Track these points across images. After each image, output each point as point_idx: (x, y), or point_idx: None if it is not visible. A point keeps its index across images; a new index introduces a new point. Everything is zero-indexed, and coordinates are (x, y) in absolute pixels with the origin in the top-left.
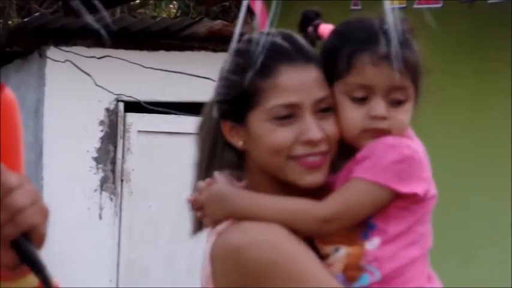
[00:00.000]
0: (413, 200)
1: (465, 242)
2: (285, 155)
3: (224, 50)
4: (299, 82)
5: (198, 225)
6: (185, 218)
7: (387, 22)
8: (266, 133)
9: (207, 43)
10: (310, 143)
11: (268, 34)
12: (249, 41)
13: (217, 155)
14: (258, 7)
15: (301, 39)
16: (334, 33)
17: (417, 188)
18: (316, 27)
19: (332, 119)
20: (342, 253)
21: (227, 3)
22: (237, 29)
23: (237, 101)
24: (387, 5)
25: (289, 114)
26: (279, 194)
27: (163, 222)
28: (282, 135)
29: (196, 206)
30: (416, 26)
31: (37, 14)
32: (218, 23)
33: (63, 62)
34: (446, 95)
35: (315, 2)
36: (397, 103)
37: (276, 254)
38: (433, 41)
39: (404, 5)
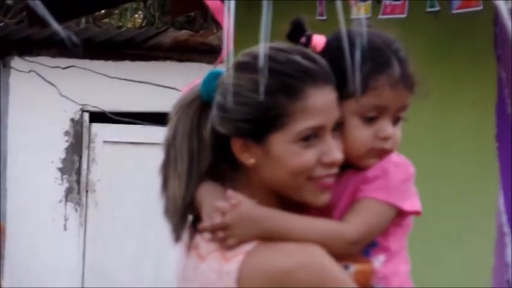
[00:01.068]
0: (406, 216)
1: (431, 248)
2: (306, 176)
3: (189, 59)
4: (325, 104)
5: (178, 236)
6: (150, 228)
7: (394, 41)
8: (291, 155)
9: (172, 53)
10: (333, 164)
11: (284, 51)
12: (271, 58)
13: (195, 163)
14: (225, 21)
15: (319, 58)
16: (342, 50)
17: (416, 205)
18: (309, 38)
19: (340, 137)
20: (352, 270)
21: (192, 14)
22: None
23: (259, 120)
24: (354, 15)
25: (313, 136)
26: (277, 209)
27: (128, 233)
28: (308, 157)
29: (218, 227)
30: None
31: (1, 24)
32: (183, 33)
33: (27, 72)
34: (411, 105)
35: (279, 12)
36: (397, 121)
37: (325, 276)
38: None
39: (369, 16)
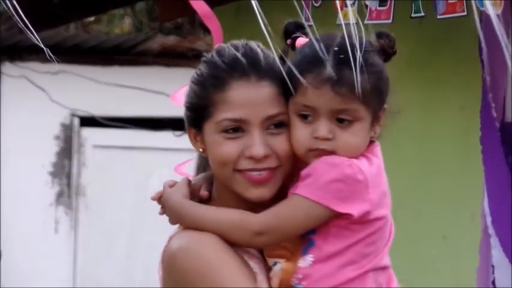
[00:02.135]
0: (354, 220)
1: (418, 254)
2: (230, 167)
3: (177, 65)
4: (248, 98)
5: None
6: (140, 231)
7: (342, 42)
8: (215, 145)
9: (160, 58)
10: (253, 158)
11: (233, 46)
12: (217, 52)
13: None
14: (213, 23)
15: (264, 53)
16: (298, 50)
17: (353, 209)
18: (294, 40)
19: (285, 135)
20: (278, 268)
21: (180, 20)
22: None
23: (195, 109)
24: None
25: (236, 129)
26: (238, 203)
27: (118, 236)
28: (228, 148)
29: (160, 203)
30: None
31: None
32: (171, 39)
33: (18, 77)
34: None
35: (273, 16)
36: (344, 124)
37: (200, 262)
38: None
39: (354, 21)
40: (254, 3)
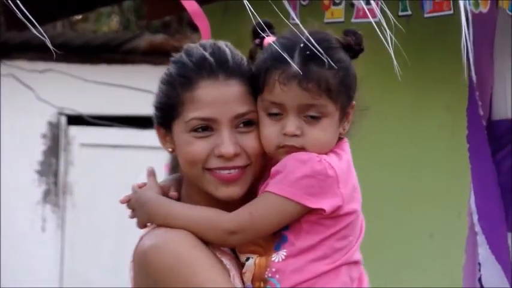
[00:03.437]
0: (326, 215)
1: (405, 252)
2: (200, 166)
3: (165, 63)
4: (216, 97)
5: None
6: (127, 230)
7: (308, 39)
8: (184, 144)
9: (148, 57)
10: (222, 157)
11: (201, 46)
12: (185, 51)
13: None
14: (202, 21)
15: (232, 53)
16: (265, 48)
17: (325, 204)
18: (262, 39)
19: (255, 133)
20: (250, 263)
21: (167, 18)
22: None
23: (164, 109)
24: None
25: (205, 128)
26: (208, 202)
27: (106, 234)
28: (197, 147)
29: (129, 206)
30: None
31: None
32: (159, 37)
33: (5, 75)
34: (385, 107)
35: (261, 15)
36: (313, 120)
37: (173, 260)
38: (371, 54)
39: (342, 19)
40: (246, 2)
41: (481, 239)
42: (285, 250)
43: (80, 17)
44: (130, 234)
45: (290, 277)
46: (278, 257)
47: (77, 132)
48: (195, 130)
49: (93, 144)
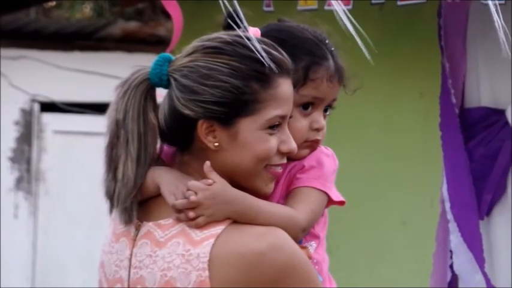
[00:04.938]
0: (329, 205)
1: (377, 240)
2: (266, 163)
3: (139, 50)
4: (289, 94)
5: (130, 218)
6: (101, 217)
7: (326, 37)
8: (258, 141)
9: (121, 44)
10: (289, 153)
11: (259, 41)
12: (243, 45)
13: (143, 146)
14: (174, 9)
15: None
16: (280, 43)
17: (339, 196)
18: (245, 31)
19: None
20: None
21: (141, 5)
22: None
23: (231, 104)
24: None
25: (278, 125)
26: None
27: (79, 221)
28: (273, 144)
29: (190, 205)
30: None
31: None
32: (132, 25)
33: None
34: (358, 95)
35: (233, 4)
36: (326, 113)
37: (295, 258)
38: (344, 42)
39: (315, 7)
40: None
41: (452, 226)
42: (314, 241)
43: (53, 3)
44: (103, 221)
45: (323, 267)
46: (312, 249)
47: (50, 119)
48: (271, 127)
49: (66, 131)
